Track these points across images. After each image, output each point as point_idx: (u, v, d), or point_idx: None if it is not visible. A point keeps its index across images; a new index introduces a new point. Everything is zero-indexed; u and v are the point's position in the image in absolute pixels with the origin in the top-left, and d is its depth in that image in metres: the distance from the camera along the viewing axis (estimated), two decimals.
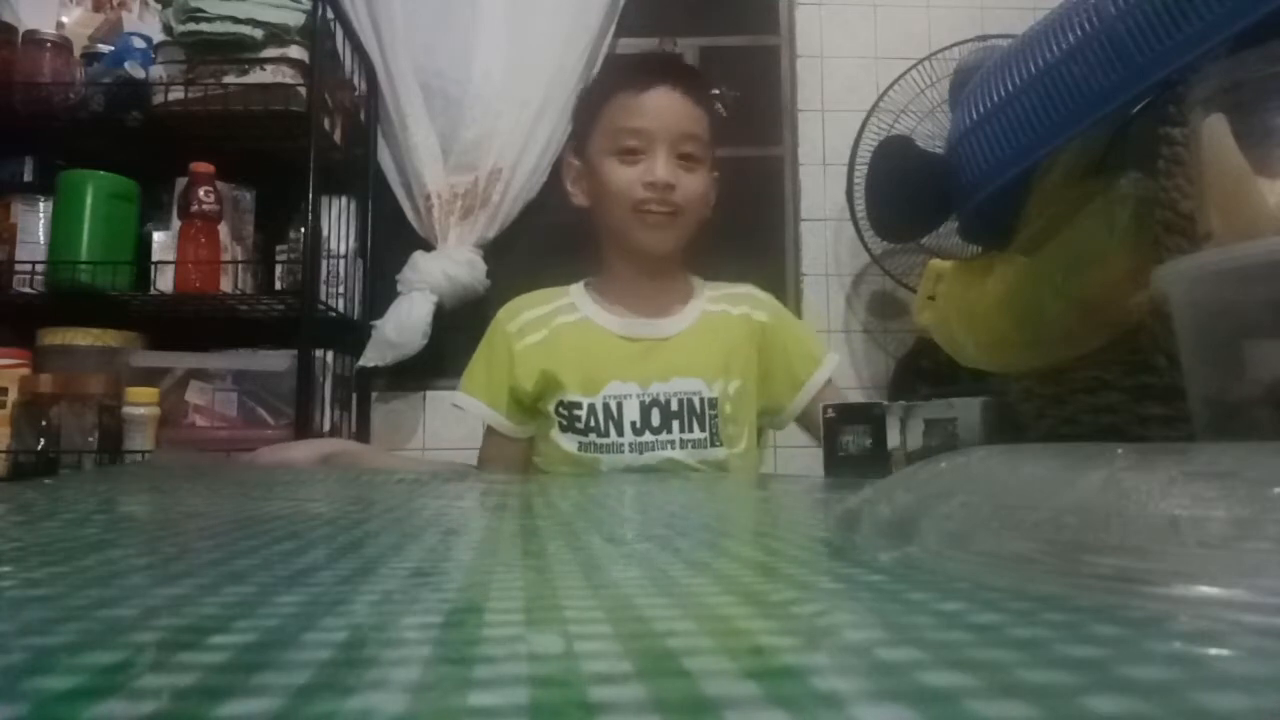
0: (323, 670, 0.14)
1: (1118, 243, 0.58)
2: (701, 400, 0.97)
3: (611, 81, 1.03)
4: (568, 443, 0.97)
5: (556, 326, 1.02)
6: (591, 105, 1.02)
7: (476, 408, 1.01)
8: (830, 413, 0.73)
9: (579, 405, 0.96)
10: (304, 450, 0.95)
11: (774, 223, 2.15)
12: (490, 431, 1.03)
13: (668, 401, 0.96)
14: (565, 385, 0.97)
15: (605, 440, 0.95)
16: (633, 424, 0.95)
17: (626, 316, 1.02)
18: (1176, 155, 0.53)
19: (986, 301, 0.69)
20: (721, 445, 0.97)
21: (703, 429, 0.97)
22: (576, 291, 1.06)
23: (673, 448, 0.95)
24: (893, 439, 0.66)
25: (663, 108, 0.97)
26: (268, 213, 1.81)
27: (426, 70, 2.00)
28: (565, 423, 0.97)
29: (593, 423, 0.96)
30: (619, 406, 0.96)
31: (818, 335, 1.08)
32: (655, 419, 0.96)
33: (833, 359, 1.06)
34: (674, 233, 0.98)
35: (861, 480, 0.45)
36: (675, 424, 0.96)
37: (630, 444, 0.95)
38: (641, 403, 0.96)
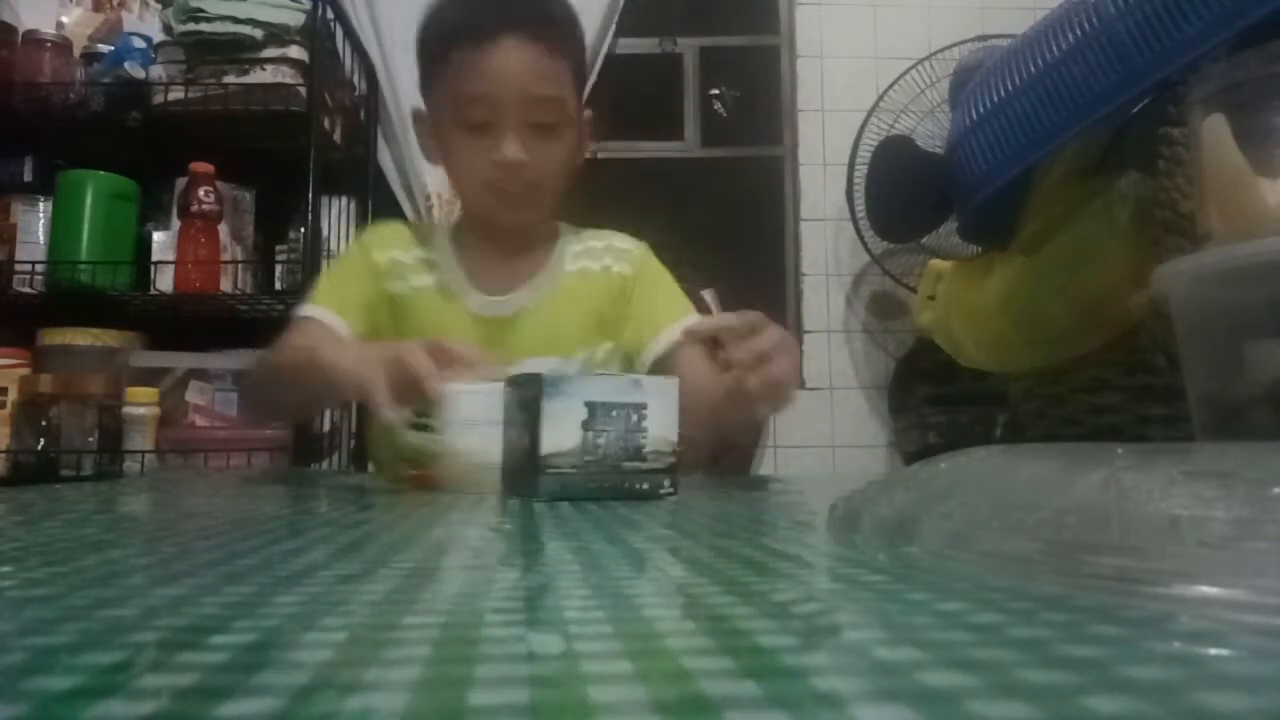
0: (323, 670, 0.14)
1: (1118, 243, 0.58)
2: None
3: (450, 22, 0.89)
4: (415, 435, 0.79)
5: (416, 288, 0.92)
6: (431, 49, 0.91)
7: (326, 316, 0.87)
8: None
9: None
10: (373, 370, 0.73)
11: (774, 223, 2.15)
12: (312, 326, 0.87)
13: None
14: None
15: None
16: None
17: (483, 287, 0.92)
18: (1176, 155, 0.53)
19: (986, 301, 0.69)
20: None
21: None
22: (444, 241, 0.96)
23: None
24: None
25: (509, 70, 0.84)
26: (268, 213, 1.80)
27: None
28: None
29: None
30: None
31: (682, 294, 0.97)
32: None
33: (695, 317, 0.94)
34: (533, 207, 0.90)
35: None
36: None
37: None
38: None
